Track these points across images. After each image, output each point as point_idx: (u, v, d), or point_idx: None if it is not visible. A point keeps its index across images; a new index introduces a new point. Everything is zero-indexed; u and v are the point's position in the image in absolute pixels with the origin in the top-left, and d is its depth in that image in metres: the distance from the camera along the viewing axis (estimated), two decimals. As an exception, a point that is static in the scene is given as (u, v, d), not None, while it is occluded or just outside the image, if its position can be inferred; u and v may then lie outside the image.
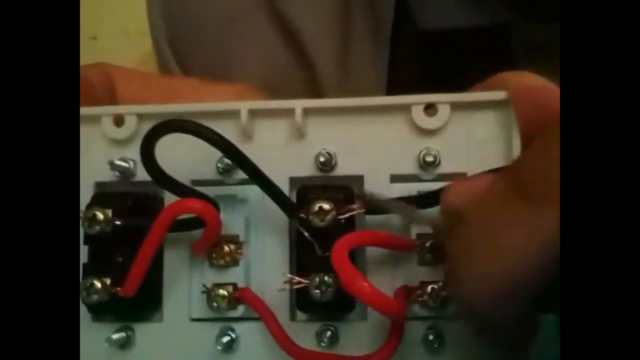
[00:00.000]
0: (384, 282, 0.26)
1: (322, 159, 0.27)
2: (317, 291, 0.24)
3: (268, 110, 0.27)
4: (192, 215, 0.25)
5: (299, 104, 0.27)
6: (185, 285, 0.27)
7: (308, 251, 0.26)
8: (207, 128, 0.24)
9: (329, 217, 0.25)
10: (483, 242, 0.20)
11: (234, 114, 0.27)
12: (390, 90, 0.41)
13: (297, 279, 0.25)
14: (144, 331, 0.27)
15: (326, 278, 0.24)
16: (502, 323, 0.21)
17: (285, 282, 0.25)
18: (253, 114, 0.27)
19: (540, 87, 0.26)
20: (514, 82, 0.26)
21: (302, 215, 0.25)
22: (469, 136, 0.27)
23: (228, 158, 0.25)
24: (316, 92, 0.41)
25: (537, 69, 0.26)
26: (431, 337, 0.26)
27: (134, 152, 0.28)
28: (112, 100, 0.31)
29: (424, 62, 0.42)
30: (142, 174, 0.28)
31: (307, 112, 0.27)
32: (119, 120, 0.28)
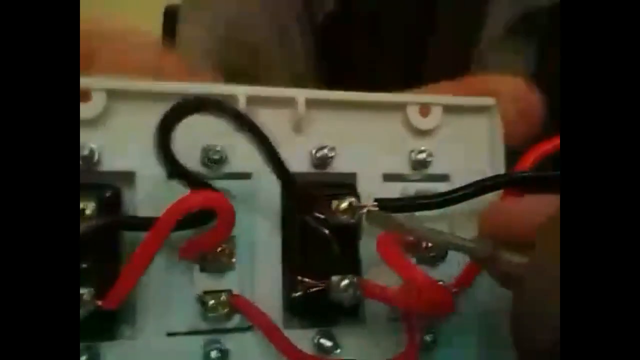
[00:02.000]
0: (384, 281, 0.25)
1: (318, 155, 0.25)
2: (345, 294, 0.23)
3: (267, 98, 0.25)
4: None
5: (300, 94, 0.25)
6: (163, 294, 0.23)
7: (320, 252, 0.24)
8: (234, 108, 0.21)
9: (357, 214, 0.23)
10: None
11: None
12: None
13: (312, 281, 0.23)
14: (112, 351, 0.23)
15: (355, 279, 0.23)
16: None
17: (300, 286, 0.23)
18: (251, 101, 0.24)
19: (524, 93, 0.27)
20: (498, 87, 0.27)
21: (319, 214, 0.23)
22: (459, 138, 0.27)
23: (254, 142, 0.22)
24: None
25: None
26: (428, 338, 0.26)
27: (100, 136, 0.23)
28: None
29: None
30: (108, 164, 0.23)
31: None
32: (84, 96, 0.23)
